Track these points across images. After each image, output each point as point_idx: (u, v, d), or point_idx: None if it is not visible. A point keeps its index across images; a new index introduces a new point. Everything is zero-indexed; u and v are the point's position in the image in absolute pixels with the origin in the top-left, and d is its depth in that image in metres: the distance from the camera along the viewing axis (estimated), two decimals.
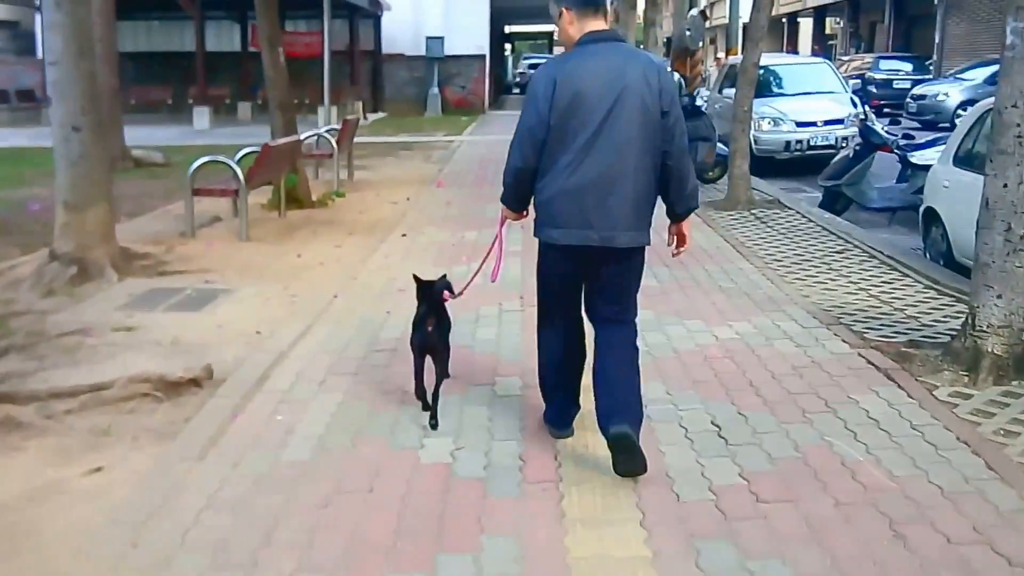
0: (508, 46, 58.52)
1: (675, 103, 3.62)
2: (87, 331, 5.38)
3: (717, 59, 22.80)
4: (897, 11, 35.40)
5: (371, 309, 6.09)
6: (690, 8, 22.23)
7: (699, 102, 12.55)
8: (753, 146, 14.75)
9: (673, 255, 4.11)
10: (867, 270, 7.44)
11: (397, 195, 11.71)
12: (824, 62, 17.94)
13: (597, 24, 3.67)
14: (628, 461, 3.57)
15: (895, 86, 27.64)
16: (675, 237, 3.97)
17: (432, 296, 4.14)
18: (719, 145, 12.44)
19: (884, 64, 28.76)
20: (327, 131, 12.62)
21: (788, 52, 39.06)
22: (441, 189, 12.43)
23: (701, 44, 21.55)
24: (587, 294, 3.82)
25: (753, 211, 10.20)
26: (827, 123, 14.83)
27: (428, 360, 4.18)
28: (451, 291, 4.22)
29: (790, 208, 10.37)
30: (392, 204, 10.92)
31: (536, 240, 3.79)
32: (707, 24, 21.19)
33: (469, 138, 20.90)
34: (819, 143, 14.71)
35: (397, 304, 6.10)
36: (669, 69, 20.32)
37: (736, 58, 18.99)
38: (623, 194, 3.55)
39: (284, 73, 10.24)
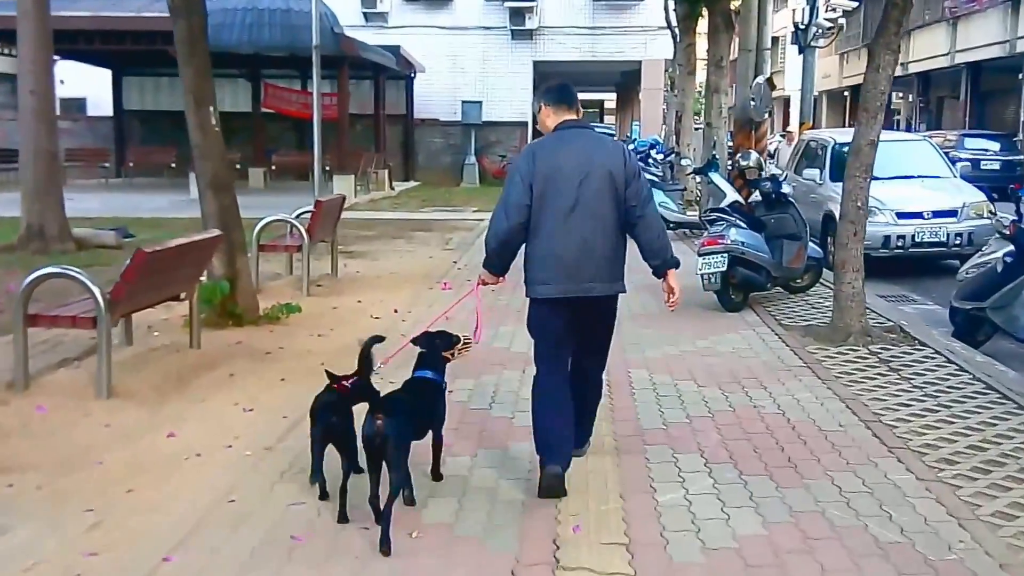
0: None
1: (638, 176, 4.31)
2: None
3: (787, 133, 19.96)
4: (972, 86, 32.39)
5: None
6: (755, 76, 19.31)
7: (786, 188, 9.54)
8: None
9: (669, 309, 4.61)
10: None
11: (385, 304, 8.86)
12: (925, 139, 14.89)
13: (570, 115, 4.40)
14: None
15: (983, 167, 24.48)
16: (668, 292, 4.46)
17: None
18: (811, 244, 9.48)
19: (970, 143, 25.60)
20: (299, 216, 9.85)
21: (852, 127, 36.03)
22: (447, 292, 9.57)
23: (767, 115, 18.68)
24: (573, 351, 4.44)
25: (872, 347, 7.16)
26: (936, 215, 11.78)
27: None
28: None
29: (923, 344, 7.29)
30: (372, 320, 8.04)
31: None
32: (773, 93, 18.39)
33: None
34: (925, 239, 11.66)
35: None
36: (730, 144, 17.50)
37: (817, 134, 16.12)
38: (598, 254, 4.22)
39: (218, 141, 7.51)
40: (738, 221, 8.79)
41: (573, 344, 4.37)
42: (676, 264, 4.42)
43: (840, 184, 12.71)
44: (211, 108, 7.54)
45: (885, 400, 5.80)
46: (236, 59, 23.90)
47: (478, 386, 6.07)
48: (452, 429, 5.22)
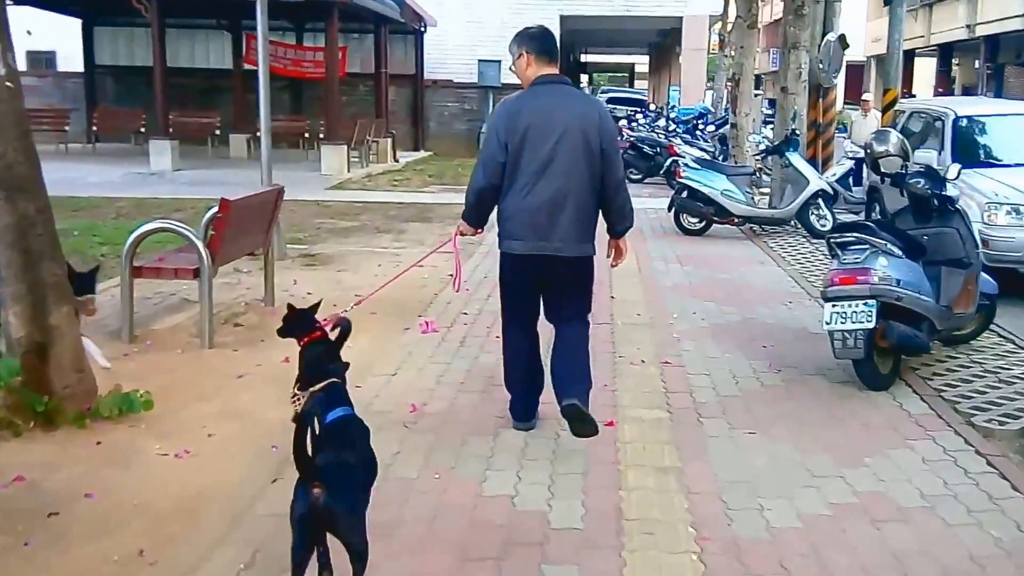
0: (584, 77, 52.52)
1: (613, 141, 4.33)
2: None
3: (864, 102, 16.51)
4: None
5: None
6: (823, 33, 15.78)
7: (952, 191, 6.11)
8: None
9: (611, 265, 4.63)
10: None
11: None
12: None
13: (551, 69, 4.32)
14: (580, 427, 4.23)
15: None
16: (614, 250, 4.54)
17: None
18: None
19: None
20: (210, 219, 6.60)
21: (905, 96, 32.18)
22: (427, 338, 6.38)
23: (836, 81, 15.19)
24: (546, 301, 4.45)
25: None
26: None
27: None
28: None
29: None
30: (277, 410, 4.73)
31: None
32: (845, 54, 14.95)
33: None
34: None
35: None
36: (803, 115, 14.04)
37: (924, 103, 12.74)
38: (569, 213, 4.20)
39: (12, 104, 4.24)
40: (888, 244, 5.41)
41: (540, 302, 4.45)
42: (631, 226, 4.48)
43: (973, 171, 9.48)
44: None
45: None
46: (216, 7, 20.69)
47: None
48: None
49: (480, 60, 24.72)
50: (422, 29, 24.00)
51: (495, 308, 5.99)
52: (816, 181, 11.04)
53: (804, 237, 10.95)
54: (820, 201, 10.87)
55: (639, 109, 26.27)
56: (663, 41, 34.27)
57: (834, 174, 13.04)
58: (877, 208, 11.01)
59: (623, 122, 20.57)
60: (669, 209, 11.32)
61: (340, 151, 17.80)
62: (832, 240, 5.56)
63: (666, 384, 5.37)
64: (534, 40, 4.33)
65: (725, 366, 5.73)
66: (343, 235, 11.04)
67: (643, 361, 5.81)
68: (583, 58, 44.95)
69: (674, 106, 26.17)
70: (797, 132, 11.79)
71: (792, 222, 11.25)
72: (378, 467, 3.25)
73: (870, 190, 11.41)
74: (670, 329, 6.62)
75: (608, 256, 4.52)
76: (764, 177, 14.55)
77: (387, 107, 22.27)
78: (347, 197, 14.82)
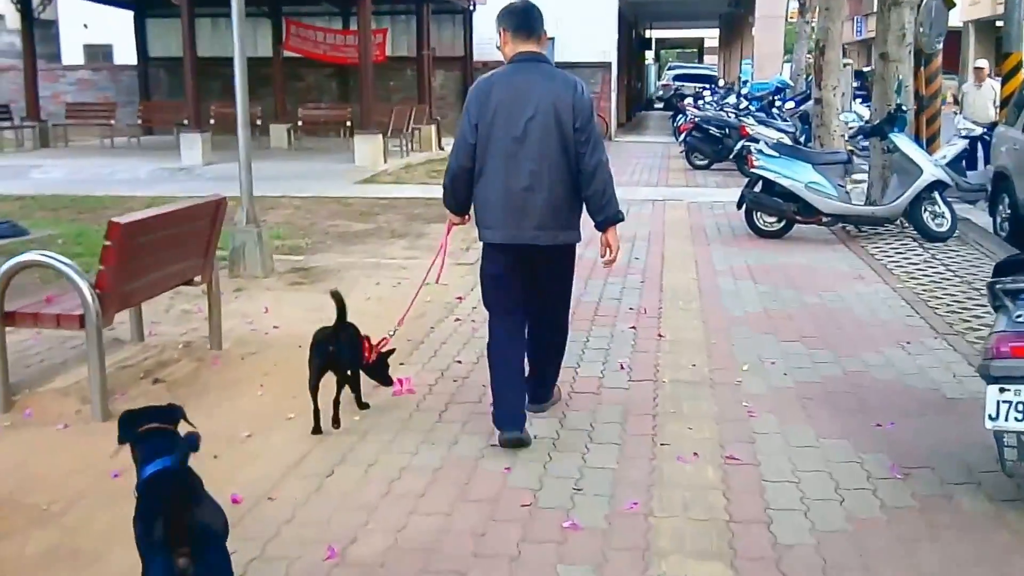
0: (650, 54, 50.05)
1: (590, 120, 4.00)
2: None
3: (977, 70, 14.22)
4: None
5: None
6: None
7: None
8: None
9: (604, 265, 4.30)
10: None
11: (239, 454, 3.94)
12: None
13: (529, 46, 4.09)
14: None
15: None
16: (605, 247, 4.18)
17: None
18: None
19: None
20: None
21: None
22: (397, 403, 4.67)
23: (939, 46, 12.92)
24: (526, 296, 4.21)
25: None
26: None
27: None
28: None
29: None
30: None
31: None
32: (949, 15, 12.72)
33: None
34: None
35: None
36: (909, 86, 11.89)
37: None
38: (543, 198, 3.97)
39: None
40: None
41: (524, 294, 4.19)
42: (621, 219, 4.15)
43: None
44: None
45: None
46: None
47: None
48: None
49: None
50: (471, 8, 22.29)
51: None
52: (930, 169, 8.94)
53: (915, 240, 8.83)
54: (936, 195, 8.79)
55: (707, 86, 24.14)
56: (734, 11, 31.94)
57: (944, 156, 10.91)
58: (1006, 201, 8.93)
59: (688, 100, 18.54)
60: (739, 206, 9.31)
61: (375, 141, 16.14)
62: (998, 286, 3.53)
63: (730, 503, 3.49)
64: (512, 16, 4.11)
65: (822, 465, 3.81)
66: (351, 241, 9.36)
67: (696, 455, 3.92)
68: (648, 34, 42.63)
69: (746, 81, 23.96)
70: (904, 108, 9.64)
71: (899, 221, 9.18)
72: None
73: (996, 177, 9.28)
74: (739, 392, 4.70)
75: (602, 256, 4.19)
76: (858, 163, 12.46)
77: (430, 91, 20.57)
78: (374, 192, 13.18)
